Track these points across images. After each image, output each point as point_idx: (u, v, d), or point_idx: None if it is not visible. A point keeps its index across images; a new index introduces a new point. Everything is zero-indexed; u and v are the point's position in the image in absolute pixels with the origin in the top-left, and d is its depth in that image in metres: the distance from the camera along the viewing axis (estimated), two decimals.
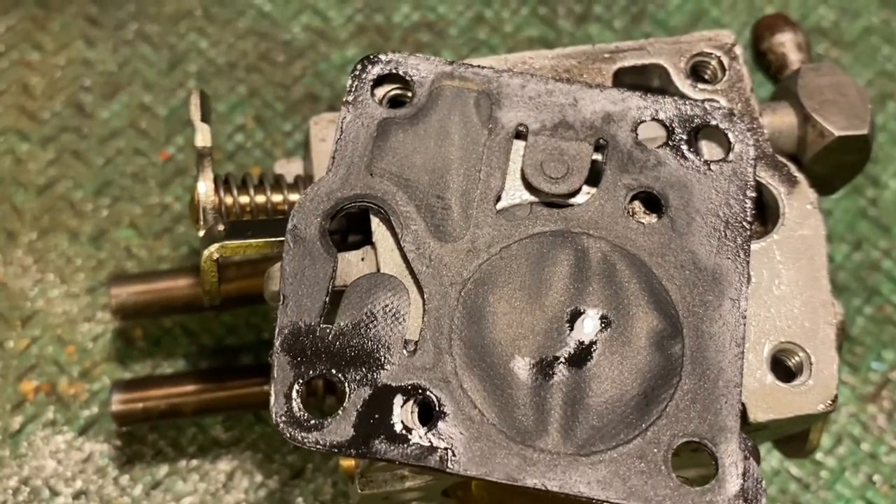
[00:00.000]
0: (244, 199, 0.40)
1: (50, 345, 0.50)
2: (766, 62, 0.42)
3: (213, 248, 0.37)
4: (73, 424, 0.48)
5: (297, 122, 0.54)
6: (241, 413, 0.48)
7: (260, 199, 0.41)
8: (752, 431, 0.35)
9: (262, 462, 0.48)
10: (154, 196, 0.53)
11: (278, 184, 0.41)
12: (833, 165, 0.39)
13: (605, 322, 0.34)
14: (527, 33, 0.57)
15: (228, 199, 0.40)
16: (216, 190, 0.40)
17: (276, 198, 0.41)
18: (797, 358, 0.35)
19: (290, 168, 0.44)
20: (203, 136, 0.41)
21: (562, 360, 0.34)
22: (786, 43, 0.42)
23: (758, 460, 0.33)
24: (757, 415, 0.34)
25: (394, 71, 0.38)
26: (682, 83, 0.39)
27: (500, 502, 0.38)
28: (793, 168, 0.38)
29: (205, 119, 0.42)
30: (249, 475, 0.47)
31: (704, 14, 0.58)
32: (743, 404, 0.34)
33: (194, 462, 0.48)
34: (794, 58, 0.42)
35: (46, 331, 0.50)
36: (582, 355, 0.34)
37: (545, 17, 0.58)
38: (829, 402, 0.34)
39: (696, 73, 0.40)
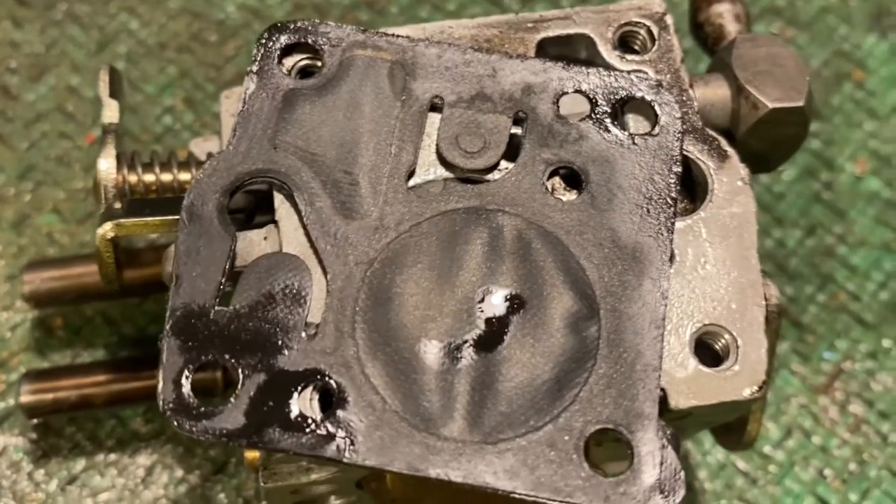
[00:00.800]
0: (149, 178, 0.38)
1: None
2: (703, 34, 0.40)
3: (108, 226, 0.35)
4: None
5: None
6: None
7: (166, 177, 0.38)
8: (675, 419, 0.33)
9: (183, 456, 0.45)
10: (79, 180, 0.51)
11: (187, 162, 0.39)
12: (769, 140, 0.37)
13: (519, 303, 0.32)
14: (470, 11, 0.55)
15: (133, 178, 0.38)
16: (119, 167, 0.38)
17: (184, 176, 0.39)
18: (723, 341, 0.33)
19: (205, 146, 0.42)
20: (110, 112, 0.39)
21: (471, 343, 0.32)
22: (724, 13, 0.40)
23: (677, 450, 0.31)
24: (679, 401, 0.32)
25: (303, 39, 0.36)
26: (610, 54, 0.37)
27: (415, 494, 0.36)
28: (723, 142, 0.36)
29: (113, 95, 0.40)
30: (170, 470, 0.45)
31: None
32: (663, 390, 0.32)
33: (112, 456, 0.45)
34: (732, 29, 0.40)
35: None
36: (493, 338, 0.32)
37: None
38: (756, 388, 0.32)
39: (625, 43, 0.38)
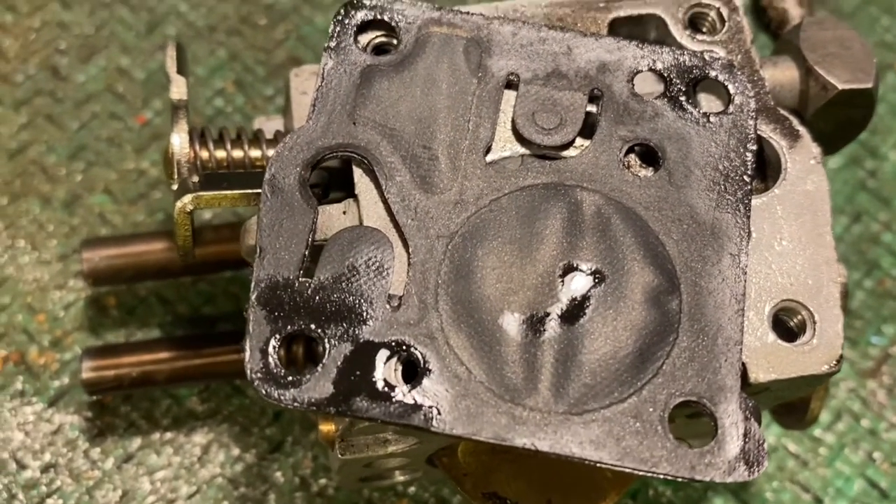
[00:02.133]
0: (220, 154, 0.38)
1: (20, 313, 0.48)
2: (767, 18, 0.41)
3: (187, 198, 0.35)
4: (42, 395, 0.46)
5: (279, 86, 0.52)
6: (217, 382, 0.46)
7: (237, 153, 0.39)
8: (753, 393, 0.33)
9: (240, 435, 0.46)
10: (130, 161, 0.51)
11: (256, 139, 0.39)
12: (836, 121, 0.38)
13: (600, 277, 0.33)
14: None
15: (204, 153, 0.38)
16: (191, 143, 0.38)
17: (255, 153, 0.39)
18: (800, 316, 0.33)
19: (269, 125, 0.42)
20: (178, 88, 0.39)
21: (553, 316, 0.32)
22: None
23: (759, 421, 0.31)
24: (759, 375, 0.33)
25: (379, 17, 0.36)
26: (681, 34, 0.38)
27: (487, 469, 0.37)
28: (795, 122, 0.36)
29: (180, 71, 0.40)
30: (226, 448, 0.45)
31: None
32: (743, 364, 0.32)
33: (168, 435, 0.46)
34: (795, 13, 0.40)
35: (16, 298, 0.48)
36: (575, 311, 0.32)
37: None
38: (834, 362, 0.33)
39: (695, 24, 0.38)
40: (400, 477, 0.41)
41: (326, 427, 0.35)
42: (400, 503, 0.45)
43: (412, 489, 0.45)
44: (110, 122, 0.52)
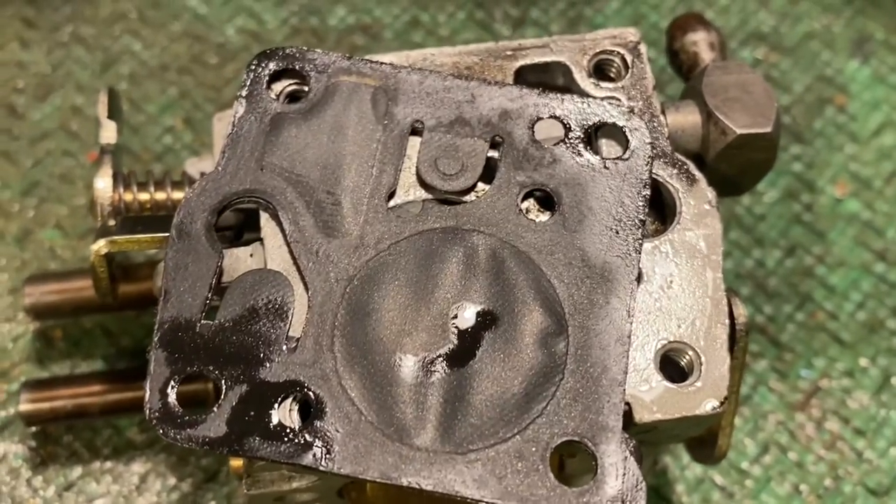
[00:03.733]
0: (144, 196, 0.40)
1: None
2: (678, 62, 0.42)
3: (101, 242, 0.37)
4: None
5: None
6: None
7: (160, 196, 0.40)
8: (641, 433, 0.34)
9: (176, 465, 0.47)
10: (81, 197, 0.53)
11: (181, 181, 0.41)
12: (738, 164, 0.39)
13: (491, 319, 0.34)
14: (463, 36, 0.57)
15: (128, 196, 0.40)
16: (115, 186, 0.39)
17: (178, 195, 0.40)
18: (687, 358, 0.34)
19: (200, 166, 0.43)
20: (107, 133, 0.41)
21: (444, 357, 0.33)
22: (698, 42, 0.42)
23: (640, 462, 0.32)
24: (643, 415, 0.33)
25: (291, 66, 0.37)
26: (585, 81, 0.39)
27: (394, 503, 0.38)
28: (692, 166, 0.37)
29: (111, 116, 0.42)
30: (163, 478, 0.47)
31: (643, 18, 0.58)
32: (628, 404, 0.33)
33: (108, 464, 0.47)
34: (706, 57, 0.41)
35: None
36: (466, 353, 0.34)
37: (482, 21, 0.58)
38: (718, 403, 0.34)
39: (601, 70, 0.39)
40: None
41: (236, 463, 0.37)
42: None
43: None
44: (63, 160, 0.54)
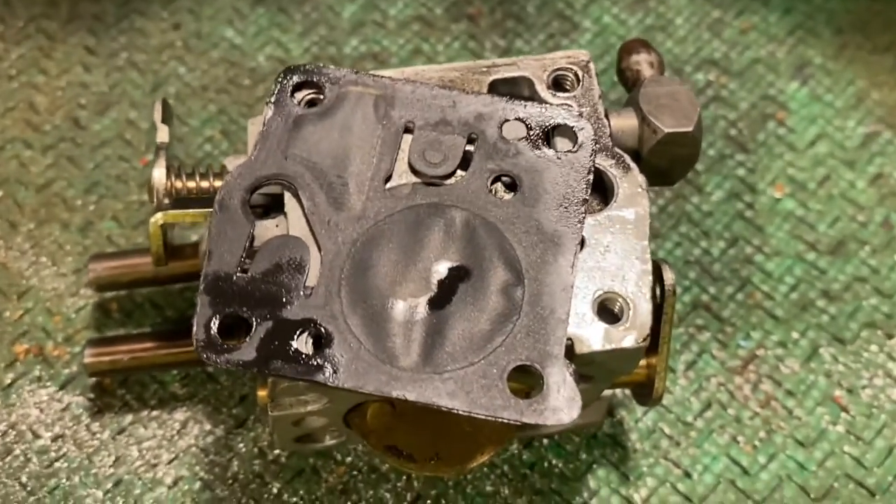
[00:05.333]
0: (191, 184, 0.50)
1: (40, 315, 0.59)
2: (624, 78, 0.51)
3: (159, 215, 0.46)
4: (55, 380, 0.57)
5: None
6: (194, 370, 0.57)
7: (204, 184, 0.50)
8: (583, 364, 0.43)
9: (212, 413, 0.56)
10: (134, 195, 0.63)
11: (220, 173, 0.50)
12: (668, 158, 0.48)
13: (464, 272, 0.43)
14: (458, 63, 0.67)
15: (178, 184, 0.49)
16: (168, 176, 0.49)
17: (218, 183, 0.50)
18: (619, 304, 0.43)
19: (237, 162, 0.53)
20: (161, 134, 0.51)
21: (427, 302, 0.43)
22: (640, 62, 0.51)
23: (577, 383, 0.41)
24: (582, 348, 0.42)
25: (309, 79, 0.47)
26: (545, 92, 0.48)
27: (387, 428, 0.47)
28: (627, 158, 0.46)
29: (164, 121, 0.51)
30: (200, 424, 0.56)
31: (612, 48, 0.68)
32: (570, 339, 0.42)
33: (154, 412, 0.56)
34: (647, 74, 0.51)
35: (38, 303, 0.59)
36: (443, 298, 0.43)
37: (473, 49, 0.68)
38: (642, 338, 0.43)
39: (558, 84, 0.49)
40: (330, 441, 0.51)
41: (262, 393, 0.46)
42: (338, 469, 0.55)
43: (349, 458, 0.55)
44: (119, 164, 0.64)
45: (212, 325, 0.42)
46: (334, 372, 0.41)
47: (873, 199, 0.63)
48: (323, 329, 0.42)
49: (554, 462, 0.55)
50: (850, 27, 0.69)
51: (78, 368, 0.57)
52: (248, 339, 0.42)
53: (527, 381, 0.42)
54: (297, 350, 0.42)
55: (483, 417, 0.40)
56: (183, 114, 0.65)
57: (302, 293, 0.43)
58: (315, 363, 0.41)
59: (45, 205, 0.62)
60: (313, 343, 0.42)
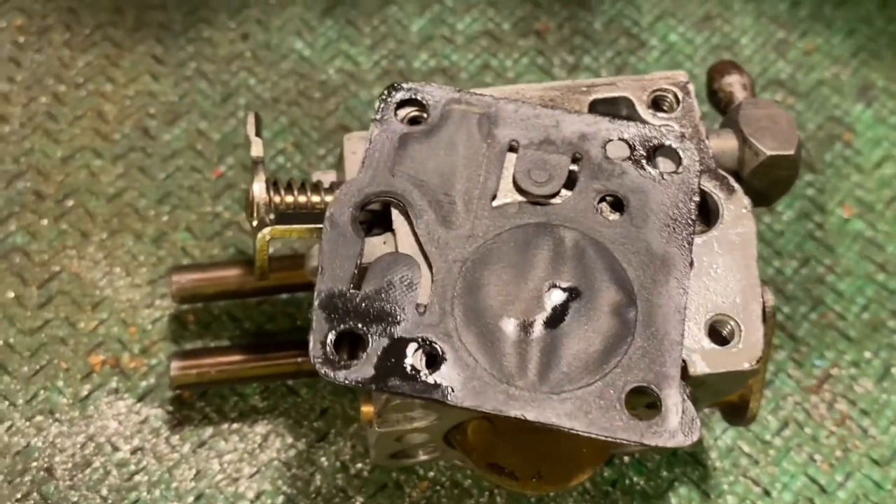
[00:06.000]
0: (289, 199, 0.49)
1: (115, 326, 0.59)
2: (716, 99, 0.52)
3: (266, 230, 0.46)
4: (132, 392, 0.57)
5: (330, 147, 0.64)
6: (275, 383, 0.57)
7: (302, 198, 0.50)
8: (694, 386, 0.43)
9: (293, 427, 0.56)
10: (207, 206, 0.62)
11: (316, 188, 0.50)
12: (768, 180, 0.48)
13: (576, 293, 0.43)
14: (526, 78, 0.67)
15: (277, 198, 0.49)
16: (267, 190, 0.49)
17: (315, 199, 0.50)
18: (729, 327, 0.44)
19: (324, 178, 0.53)
20: (256, 148, 0.50)
21: (540, 321, 0.43)
22: (733, 83, 0.51)
23: (695, 404, 0.42)
24: (696, 369, 0.43)
25: (413, 97, 0.47)
26: (645, 112, 0.49)
27: (490, 446, 0.47)
28: (731, 179, 0.47)
29: (258, 134, 0.51)
30: (281, 437, 0.56)
31: (679, 66, 0.68)
32: (684, 361, 0.43)
33: (235, 426, 0.56)
34: (740, 95, 0.51)
35: (112, 314, 0.59)
36: (556, 318, 0.43)
37: (542, 66, 0.68)
38: (755, 361, 0.43)
39: (657, 104, 0.49)
40: (423, 456, 0.51)
41: (366, 408, 0.46)
42: (421, 484, 0.55)
43: (431, 473, 0.55)
44: (191, 174, 0.63)
45: (328, 341, 0.42)
46: (452, 391, 0.41)
47: None
48: (438, 347, 0.42)
49: (635, 480, 0.56)
50: None
51: (156, 380, 0.57)
52: (364, 356, 0.42)
53: (636, 403, 0.42)
54: (413, 367, 0.42)
55: (603, 439, 0.41)
56: None
57: (416, 311, 0.43)
58: (433, 381, 0.41)
59: (117, 215, 0.62)
60: (426, 361, 0.42)
